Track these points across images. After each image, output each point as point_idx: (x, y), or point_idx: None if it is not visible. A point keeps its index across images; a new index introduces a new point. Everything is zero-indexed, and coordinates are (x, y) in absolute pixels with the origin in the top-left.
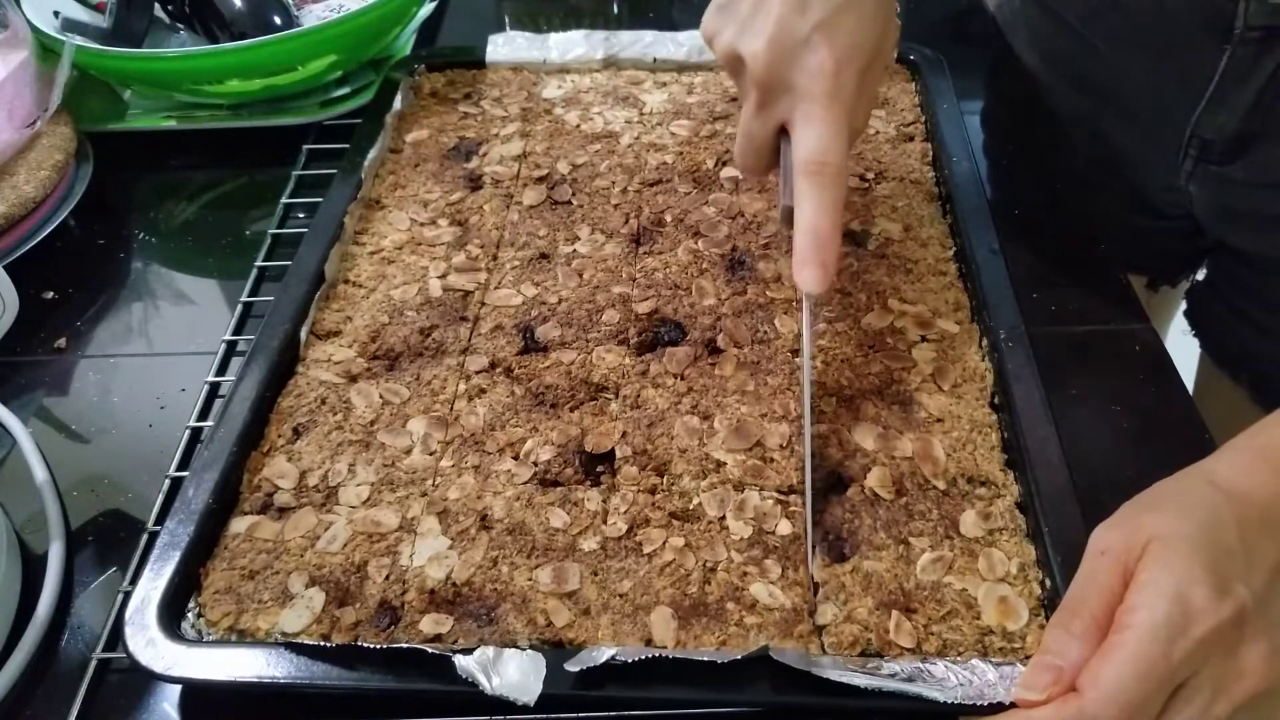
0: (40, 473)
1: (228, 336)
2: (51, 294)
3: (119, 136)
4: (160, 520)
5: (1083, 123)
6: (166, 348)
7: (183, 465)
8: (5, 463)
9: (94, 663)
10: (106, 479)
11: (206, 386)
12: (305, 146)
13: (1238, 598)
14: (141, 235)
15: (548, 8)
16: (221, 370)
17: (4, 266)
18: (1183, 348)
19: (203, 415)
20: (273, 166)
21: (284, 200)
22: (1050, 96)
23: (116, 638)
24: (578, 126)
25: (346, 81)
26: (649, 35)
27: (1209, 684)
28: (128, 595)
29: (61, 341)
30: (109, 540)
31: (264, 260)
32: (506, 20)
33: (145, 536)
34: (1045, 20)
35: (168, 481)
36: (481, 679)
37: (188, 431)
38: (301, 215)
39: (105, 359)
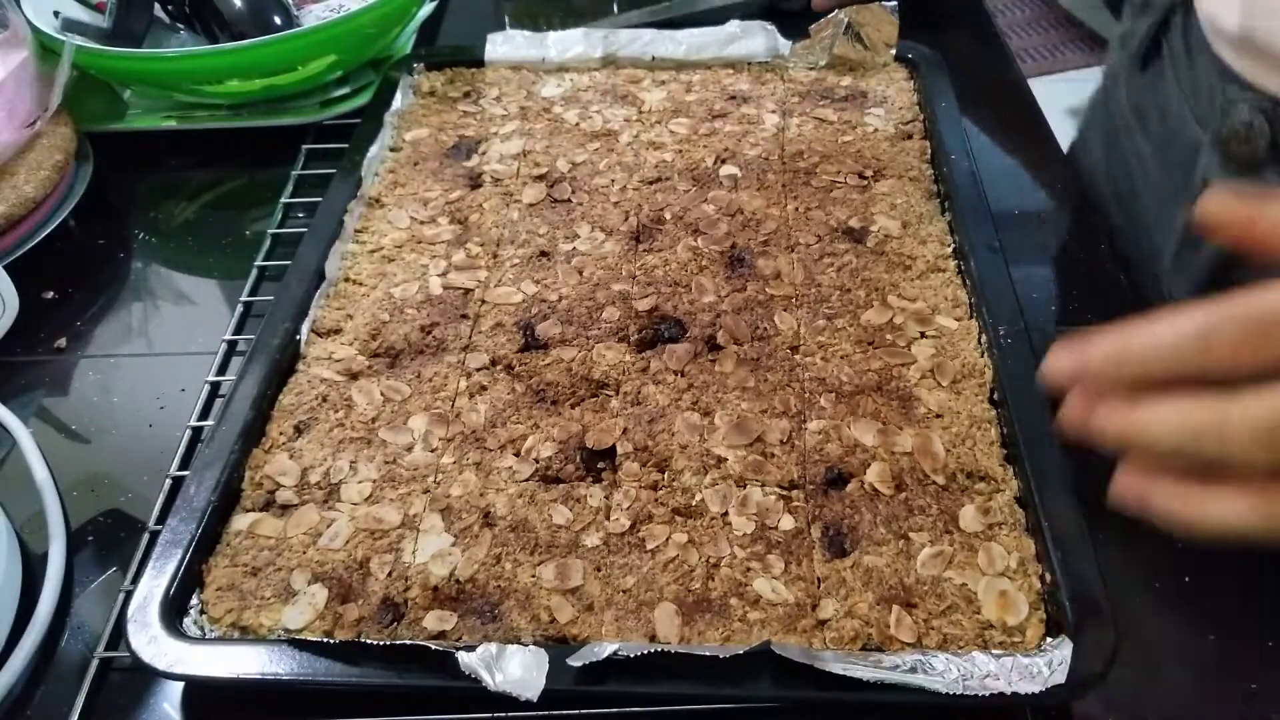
0: (40, 473)
1: (228, 336)
2: (51, 294)
3: (119, 136)
4: (161, 520)
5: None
6: (166, 348)
7: (184, 465)
8: (5, 463)
9: (95, 662)
10: (106, 479)
11: (207, 386)
12: (305, 146)
13: None
14: (141, 235)
15: (547, 8)
16: (222, 370)
17: (4, 266)
18: None
19: (203, 415)
20: (272, 166)
21: (284, 200)
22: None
23: (119, 636)
24: (577, 125)
25: (346, 81)
26: (647, 34)
27: None
28: (129, 594)
29: (61, 341)
30: (109, 540)
31: (264, 260)
32: (506, 20)
33: (146, 536)
34: None
35: (168, 481)
36: (484, 675)
37: (188, 431)
38: (301, 215)
39: (105, 359)
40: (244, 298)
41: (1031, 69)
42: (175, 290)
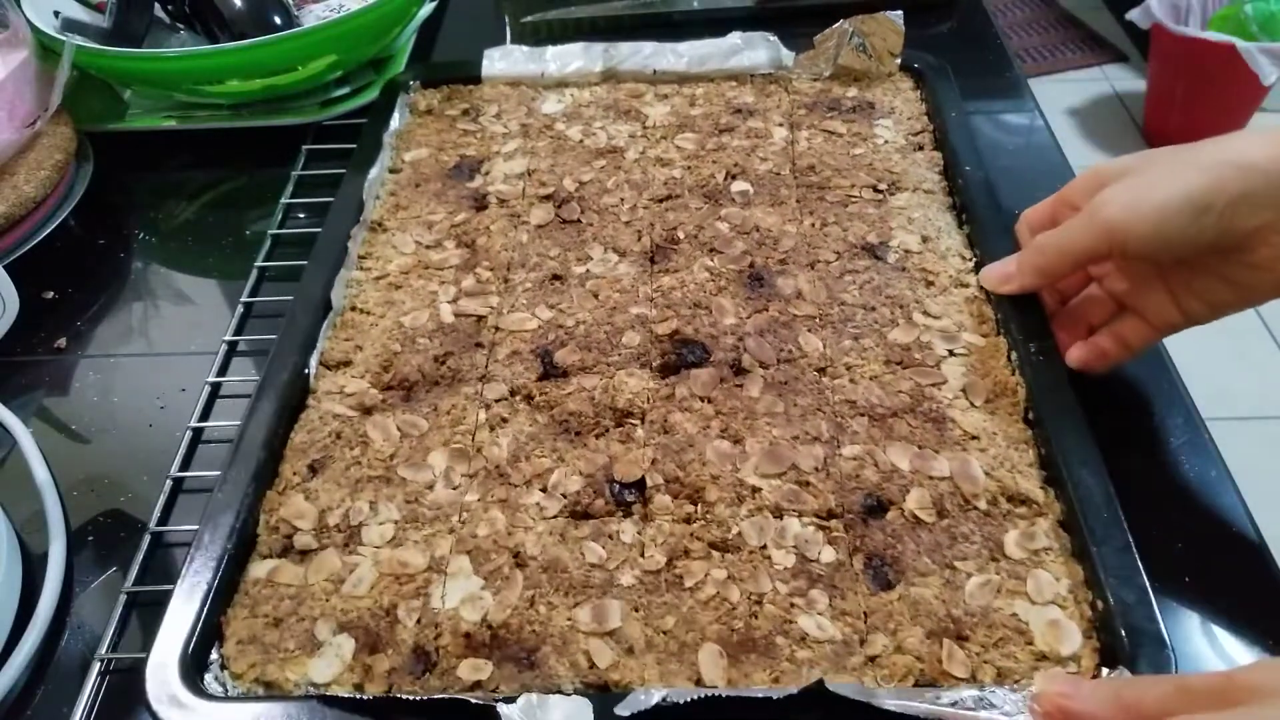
0: (40, 473)
1: (228, 337)
2: (51, 294)
3: (119, 136)
4: (163, 521)
5: None
6: (166, 348)
7: (184, 465)
8: (5, 463)
9: (98, 664)
10: (106, 479)
11: (208, 387)
12: (305, 147)
13: None
14: (141, 235)
15: (547, 7)
16: (223, 371)
17: (4, 266)
18: (1183, 348)
19: (204, 416)
20: (272, 166)
21: (284, 200)
22: None
23: (119, 638)
24: (581, 142)
25: (346, 81)
26: (648, 47)
27: None
28: (131, 597)
29: (61, 341)
30: (109, 540)
31: (264, 261)
32: (506, 20)
33: (148, 537)
34: None
35: (169, 482)
36: None
37: (189, 432)
38: (302, 215)
39: (105, 359)
40: (244, 298)
41: (1031, 69)
42: (175, 290)
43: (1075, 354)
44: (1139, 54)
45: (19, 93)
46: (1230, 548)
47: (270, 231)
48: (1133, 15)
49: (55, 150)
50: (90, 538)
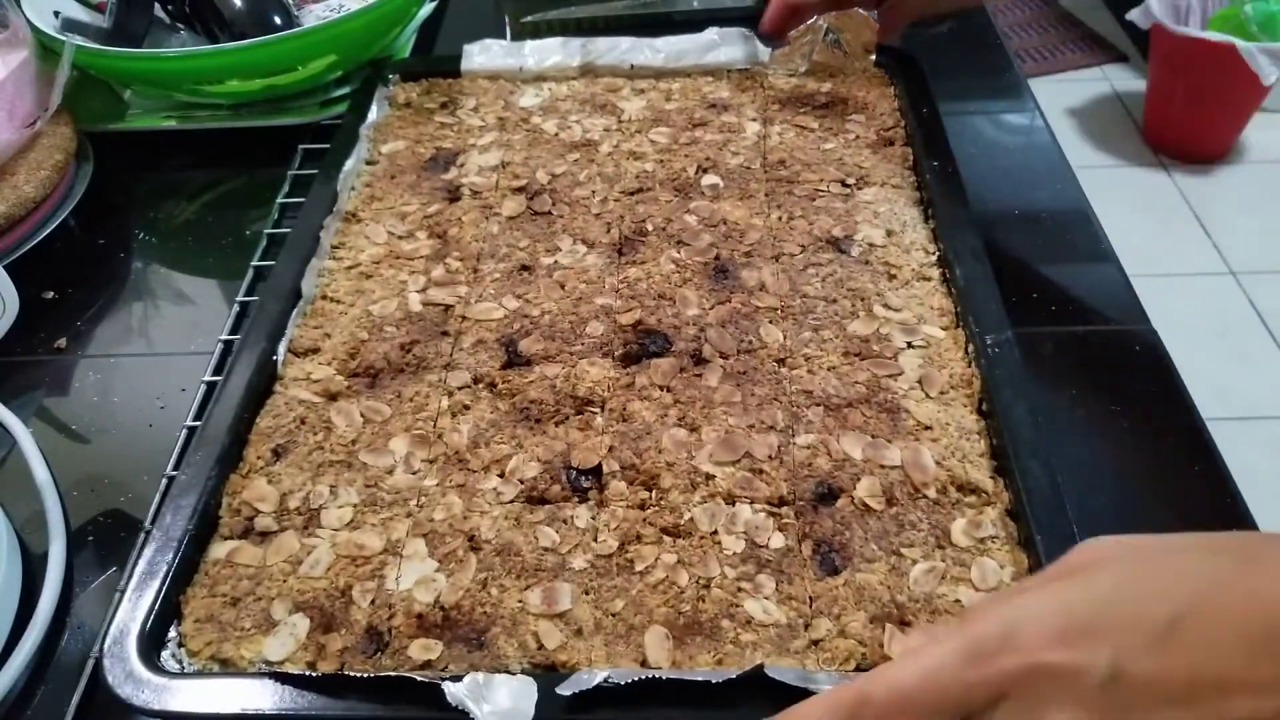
0: (40, 473)
1: (224, 336)
2: (51, 294)
3: (119, 136)
4: (157, 520)
5: None
6: (166, 348)
7: (179, 464)
8: (5, 463)
9: (92, 661)
10: (106, 479)
11: (203, 386)
12: (301, 147)
13: (1086, 656)
14: (141, 235)
15: (547, 7)
16: (218, 370)
17: (4, 266)
18: (1183, 348)
19: (199, 415)
20: (272, 166)
21: (280, 200)
22: None
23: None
24: (556, 135)
25: (346, 81)
26: (625, 42)
27: None
28: (123, 595)
29: (61, 341)
30: (109, 540)
31: (259, 260)
32: (506, 19)
33: (143, 536)
34: None
35: (165, 481)
36: (472, 706)
37: (184, 431)
38: (297, 215)
39: (105, 359)
40: (240, 298)
41: (1031, 69)
42: (175, 290)
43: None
44: (1139, 54)
45: (19, 93)
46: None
47: (266, 231)
48: (1133, 15)
49: (55, 150)
50: (90, 538)
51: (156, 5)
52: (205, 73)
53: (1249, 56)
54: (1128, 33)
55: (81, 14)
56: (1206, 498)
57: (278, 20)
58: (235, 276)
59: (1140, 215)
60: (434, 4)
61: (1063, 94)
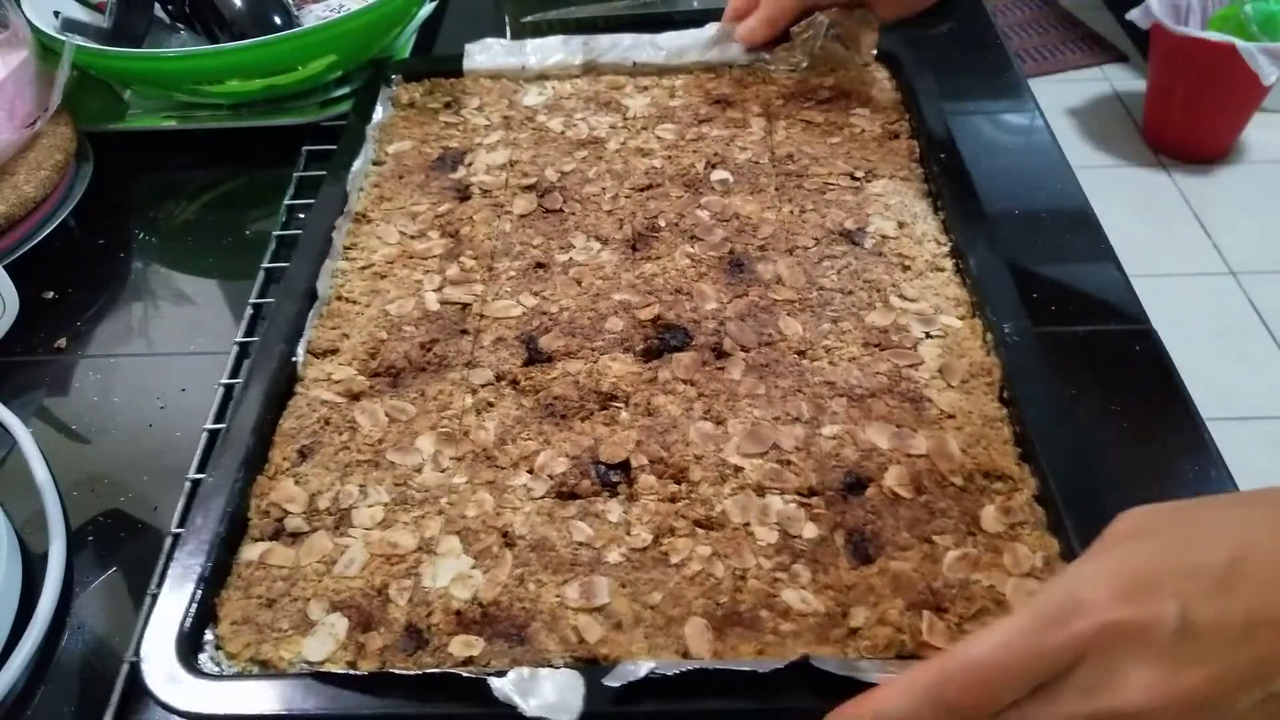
0: (40, 473)
1: (239, 339)
2: (51, 294)
3: (119, 136)
4: (182, 524)
5: None
6: (166, 348)
7: (201, 468)
8: (5, 463)
9: (126, 666)
10: (106, 479)
11: (221, 389)
12: (305, 148)
13: (1154, 609)
14: (141, 235)
15: (547, 7)
16: (235, 373)
17: (4, 266)
18: (1183, 348)
19: (219, 418)
20: (273, 166)
21: (286, 202)
22: None
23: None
24: (562, 133)
25: (346, 81)
26: (627, 39)
27: (1079, 690)
28: (155, 599)
29: (61, 341)
30: (109, 540)
31: (268, 262)
32: (506, 19)
33: (170, 540)
34: None
35: (188, 484)
36: (518, 700)
37: (205, 434)
38: (304, 216)
39: (105, 359)
40: (252, 299)
41: (1031, 69)
42: (175, 290)
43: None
44: (1139, 54)
45: (19, 93)
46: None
47: (275, 233)
48: (1133, 15)
49: (55, 150)
50: (90, 538)
51: (156, 5)
52: (205, 73)
53: (1249, 56)
54: (1128, 33)
55: (81, 14)
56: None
57: (278, 20)
58: (236, 276)
59: (1140, 215)
60: (434, 4)
61: (1063, 94)
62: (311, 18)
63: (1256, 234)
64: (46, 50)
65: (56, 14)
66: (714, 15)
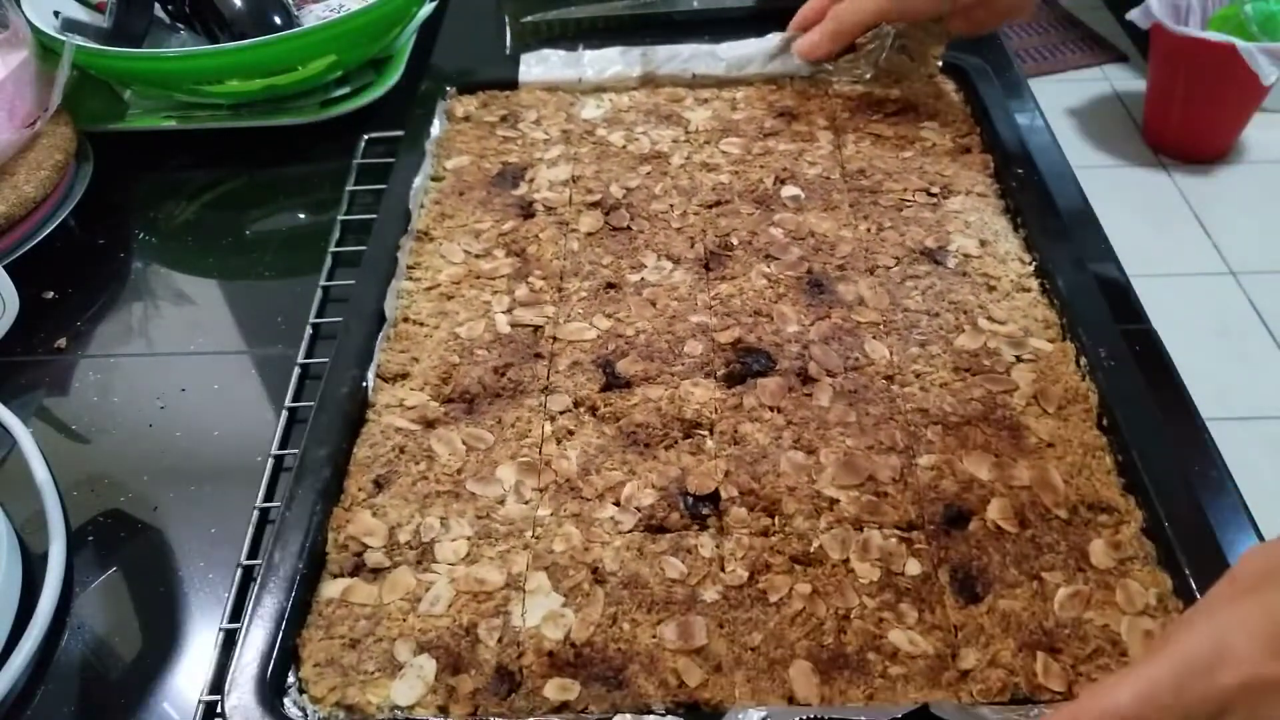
0: (40, 473)
1: (302, 359)
2: (51, 294)
3: (119, 136)
4: (252, 555)
5: None
6: (166, 348)
7: (269, 496)
8: (5, 463)
9: (201, 706)
10: (106, 479)
11: (285, 413)
12: (365, 135)
13: None
14: (141, 235)
15: (547, 7)
16: (298, 396)
17: (4, 266)
18: (1183, 348)
19: (283, 444)
20: (273, 166)
21: (349, 188)
22: None
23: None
24: (624, 147)
25: (346, 81)
26: (686, 50)
27: None
28: (229, 634)
29: (61, 341)
30: (109, 540)
31: (336, 247)
32: (506, 19)
33: (239, 570)
34: None
35: (255, 513)
36: None
37: (271, 460)
38: (370, 200)
39: (105, 359)
40: (312, 319)
41: (1031, 69)
42: (175, 290)
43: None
44: (1139, 54)
45: (19, 93)
46: (1230, 548)
47: (339, 218)
48: (1133, 15)
49: (55, 150)
50: (90, 538)
51: (156, 5)
52: (205, 73)
53: (1249, 56)
54: (1128, 33)
55: (81, 14)
56: (1207, 498)
57: (278, 20)
58: (236, 276)
59: (1140, 215)
60: (434, 4)
61: (1063, 94)
62: (311, 18)
63: (1256, 234)
64: (46, 50)
65: (56, 14)
66: (715, 16)
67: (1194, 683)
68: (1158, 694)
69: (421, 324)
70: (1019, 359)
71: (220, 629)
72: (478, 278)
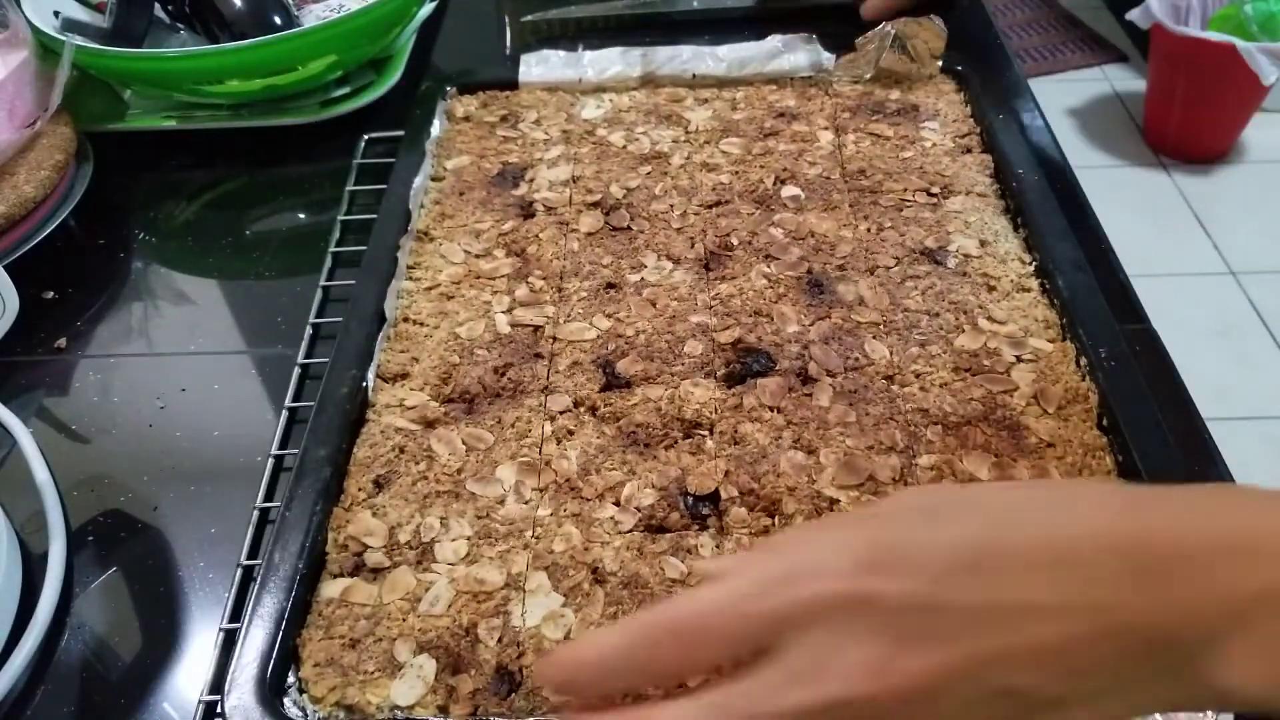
0: (40, 473)
1: (302, 360)
2: (51, 294)
3: (119, 136)
4: (252, 555)
5: None
6: (166, 348)
7: (269, 496)
8: (5, 463)
9: (201, 706)
10: (106, 479)
11: (285, 413)
12: (365, 135)
13: (893, 583)
14: (141, 235)
15: (547, 7)
16: (298, 396)
17: (4, 266)
18: (1183, 348)
19: (283, 444)
20: (273, 166)
21: (349, 188)
22: None
23: (220, 679)
24: (624, 147)
25: (346, 81)
26: (686, 50)
27: (792, 664)
28: (229, 634)
29: (61, 341)
30: (109, 540)
31: (336, 247)
32: (506, 19)
33: (239, 570)
34: None
35: (255, 513)
36: None
37: (271, 460)
38: (369, 201)
39: (105, 359)
40: (312, 319)
41: (1031, 69)
42: (175, 290)
43: None
44: (1139, 54)
45: (19, 93)
46: None
47: (339, 218)
48: (1133, 15)
49: (55, 150)
50: (90, 538)
51: (156, 5)
52: (205, 73)
53: (1249, 56)
54: (1128, 33)
55: (81, 14)
56: None
57: (278, 20)
58: (236, 276)
59: (1140, 215)
60: (434, 4)
61: (1063, 94)
62: (311, 18)
63: (1256, 234)
64: (46, 50)
65: (56, 14)
66: (714, 16)
67: (769, 594)
68: (726, 604)
69: (421, 324)
70: (1019, 359)
71: (220, 629)
72: (478, 278)
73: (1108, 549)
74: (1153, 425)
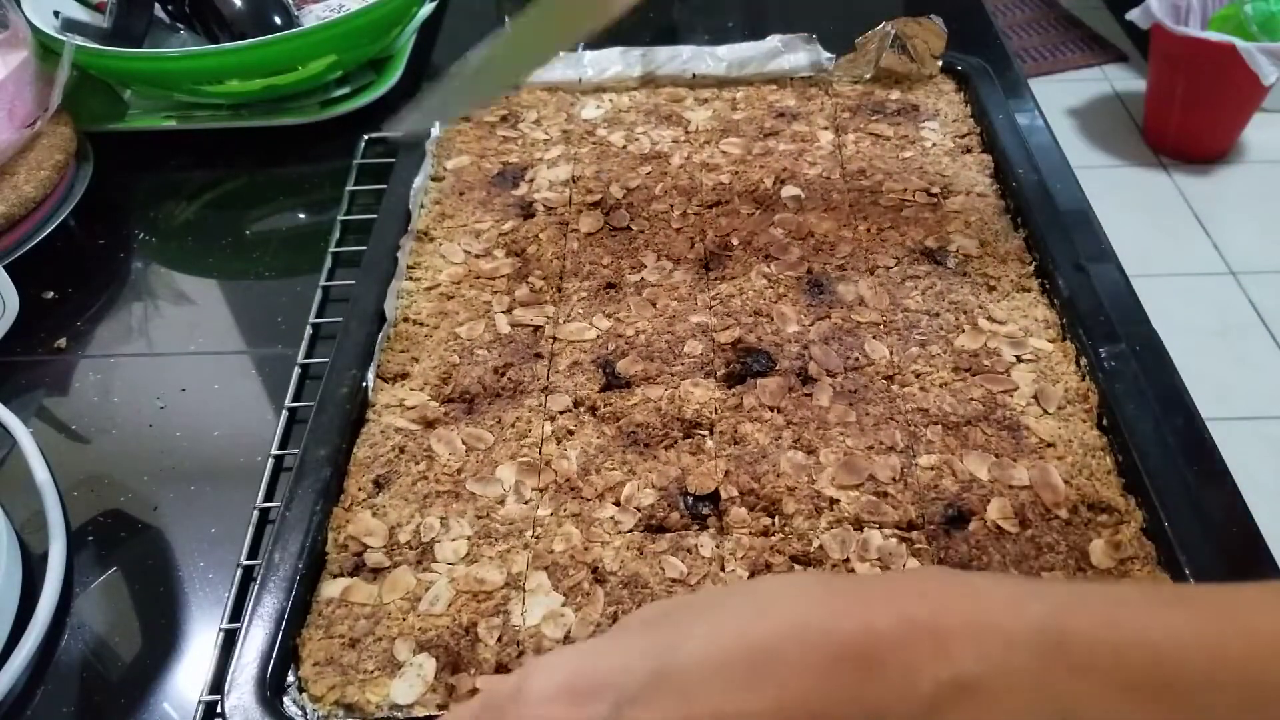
0: (40, 473)
1: (302, 360)
2: (51, 294)
3: (119, 136)
4: (252, 555)
5: None
6: (166, 348)
7: (269, 496)
8: (5, 463)
9: (201, 706)
10: (106, 479)
11: (285, 413)
12: (365, 136)
13: (584, 711)
14: (141, 235)
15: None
16: (298, 396)
17: (4, 266)
18: (1183, 348)
19: (283, 444)
20: (273, 166)
21: (349, 188)
22: None
23: (221, 679)
24: (624, 147)
25: (346, 81)
26: (686, 50)
27: None
28: (229, 634)
29: (61, 341)
30: (109, 540)
31: (336, 247)
32: (506, 20)
33: (239, 570)
34: None
35: (255, 513)
36: None
37: (271, 460)
38: (368, 201)
39: (105, 359)
40: (312, 319)
41: (1031, 69)
42: (175, 290)
43: None
44: (1139, 54)
45: (19, 93)
46: (1230, 548)
47: (339, 218)
48: (1133, 15)
49: (55, 150)
50: (90, 538)
51: (156, 5)
52: (205, 73)
53: (1249, 56)
54: (1128, 33)
55: (81, 14)
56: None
57: (278, 20)
58: (236, 276)
59: (1140, 215)
60: (434, 4)
61: (1063, 94)
62: (311, 18)
63: (1256, 234)
64: (46, 50)
65: (56, 14)
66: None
67: (490, 714)
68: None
69: (421, 324)
70: (1019, 359)
71: (220, 629)
72: (478, 278)
73: (797, 643)
74: (1153, 425)
